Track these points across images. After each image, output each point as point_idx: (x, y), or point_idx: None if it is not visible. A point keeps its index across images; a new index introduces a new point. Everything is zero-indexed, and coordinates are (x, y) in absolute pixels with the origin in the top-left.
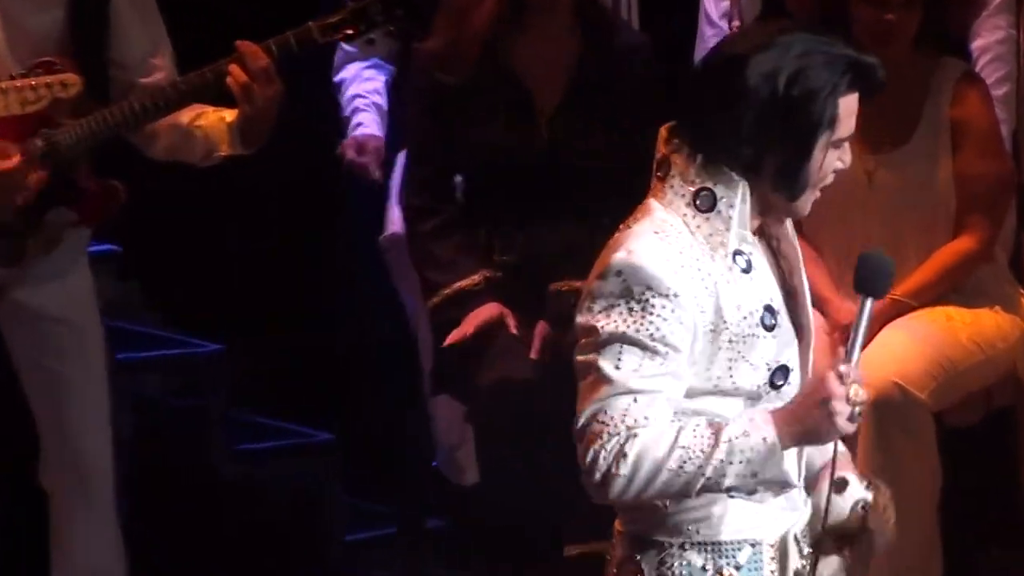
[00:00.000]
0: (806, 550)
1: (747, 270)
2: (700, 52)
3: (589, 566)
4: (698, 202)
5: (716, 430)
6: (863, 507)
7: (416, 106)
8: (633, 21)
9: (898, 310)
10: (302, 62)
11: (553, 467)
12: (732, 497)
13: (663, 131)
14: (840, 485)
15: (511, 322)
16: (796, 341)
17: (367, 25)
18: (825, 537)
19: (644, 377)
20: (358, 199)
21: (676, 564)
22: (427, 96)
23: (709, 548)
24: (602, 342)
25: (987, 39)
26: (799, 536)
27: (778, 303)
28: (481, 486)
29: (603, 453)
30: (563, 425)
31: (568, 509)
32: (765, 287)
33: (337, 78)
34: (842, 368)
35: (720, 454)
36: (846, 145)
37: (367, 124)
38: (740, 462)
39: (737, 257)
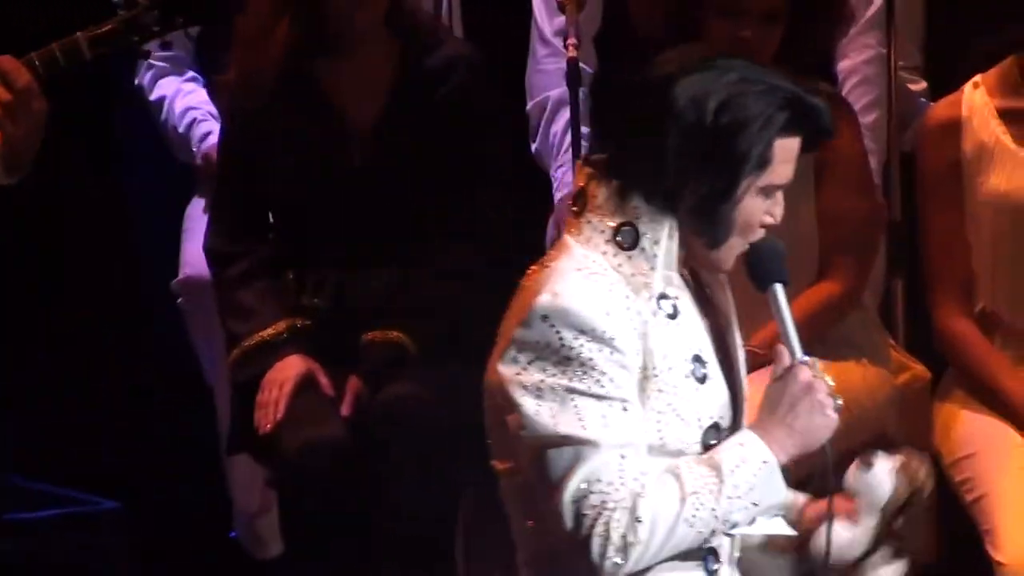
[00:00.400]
0: None
1: (673, 315)
2: (533, 74)
3: None
4: (619, 238)
5: (714, 465)
6: (899, 471)
7: (220, 140)
8: (456, 29)
9: (752, 363)
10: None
11: (366, 538)
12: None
13: (579, 163)
14: (867, 462)
15: (322, 379)
16: (730, 400)
17: (142, 36)
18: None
19: (617, 429)
20: (149, 238)
21: None
22: (229, 129)
23: None
24: (548, 401)
25: (854, 59)
26: None
27: (708, 354)
28: (284, 560)
29: (614, 524)
30: (378, 491)
31: None
32: (694, 336)
33: (154, 97)
34: (805, 359)
35: (728, 491)
36: (778, 197)
37: (216, 132)
38: (746, 492)
39: (662, 301)
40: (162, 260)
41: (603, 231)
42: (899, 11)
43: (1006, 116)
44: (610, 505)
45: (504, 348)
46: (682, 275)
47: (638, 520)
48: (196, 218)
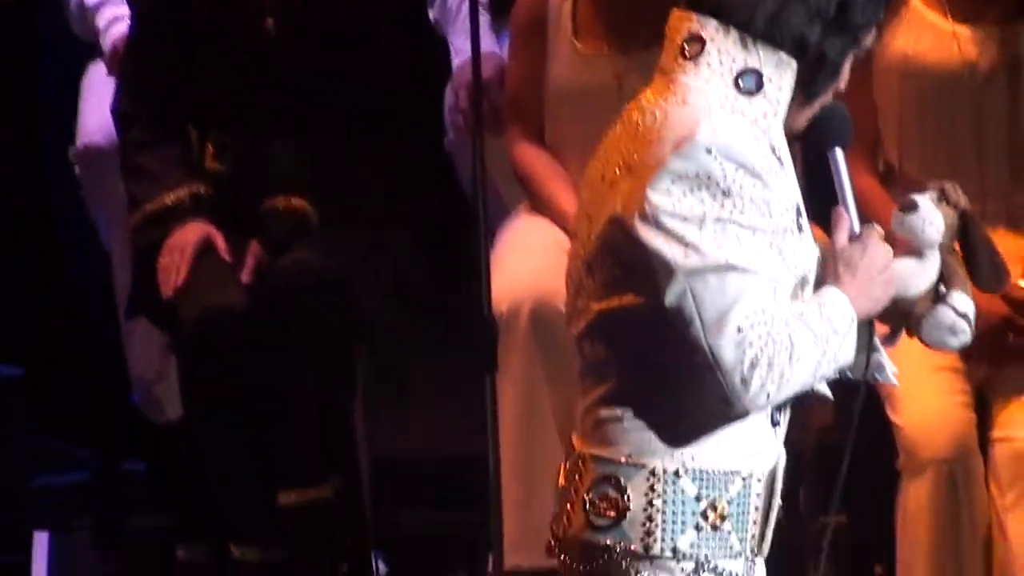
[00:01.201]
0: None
1: (781, 164)
2: None
3: (304, 515)
4: (741, 83)
5: (827, 316)
6: (943, 199)
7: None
8: None
9: None
10: None
11: (266, 405)
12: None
13: (680, 12)
14: (908, 205)
15: (220, 244)
16: (815, 252)
17: None
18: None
19: (772, 263)
20: (49, 108)
21: (668, 491)
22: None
23: (703, 477)
24: (709, 231)
25: None
26: (783, 473)
27: (802, 207)
28: (185, 424)
29: (777, 358)
30: (279, 358)
31: (282, 453)
32: (794, 187)
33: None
34: (872, 227)
35: (837, 341)
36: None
37: (125, 18)
38: (841, 348)
39: (775, 149)
40: (61, 127)
41: (723, 75)
42: None
43: None
44: (775, 337)
45: (654, 178)
46: None
47: (795, 357)
48: (93, 87)
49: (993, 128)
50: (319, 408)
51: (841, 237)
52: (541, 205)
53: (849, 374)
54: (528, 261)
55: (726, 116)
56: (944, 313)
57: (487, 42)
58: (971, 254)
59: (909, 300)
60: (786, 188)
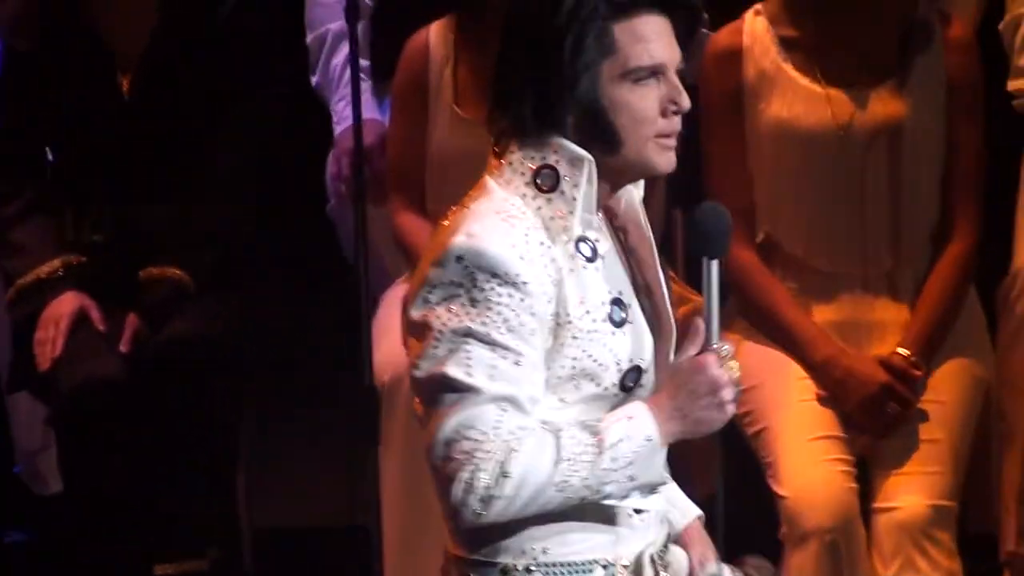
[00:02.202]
0: (662, 573)
1: (592, 259)
2: (312, 7)
3: None
4: (539, 181)
5: (597, 435)
6: None
7: None
8: None
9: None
10: None
11: (145, 476)
12: (579, 519)
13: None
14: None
15: (95, 314)
16: (651, 340)
17: None
18: None
19: (503, 381)
20: None
21: None
22: (3, 66)
23: (556, 570)
24: (446, 341)
25: None
26: (656, 557)
27: (628, 296)
28: (65, 496)
29: (481, 475)
30: (157, 428)
31: (160, 525)
32: (613, 278)
33: None
34: (721, 349)
35: (604, 462)
36: (672, 80)
37: None
38: (624, 467)
39: (581, 245)
40: None
41: (523, 173)
42: None
43: (787, 44)
44: (479, 455)
45: (418, 288)
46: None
47: (505, 475)
48: None
49: (872, 192)
50: (199, 478)
51: (690, 350)
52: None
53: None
54: None
55: (493, 221)
56: None
57: (369, 109)
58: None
59: None
60: (596, 285)
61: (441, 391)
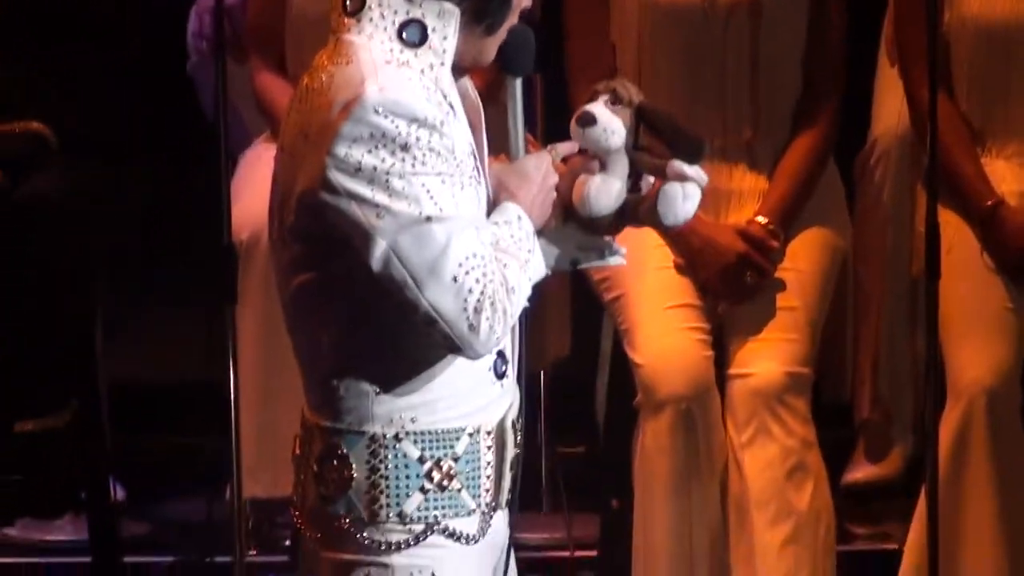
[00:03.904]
0: (519, 438)
1: (454, 112)
2: None
3: (41, 442)
4: (405, 35)
5: (512, 229)
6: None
7: None
8: None
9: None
10: None
11: (2, 333)
12: (446, 386)
13: None
14: (586, 119)
15: None
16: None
17: None
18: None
19: (466, 205)
20: None
21: (389, 456)
22: None
23: (425, 438)
24: (397, 190)
25: None
26: (515, 423)
27: (477, 151)
28: None
29: (498, 296)
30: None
31: (19, 382)
32: (466, 133)
33: None
34: (555, 151)
35: (533, 257)
36: None
37: None
38: (535, 257)
39: (445, 96)
40: None
41: (386, 28)
42: None
43: None
44: (490, 277)
45: (330, 148)
46: None
47: (512, 290)
48: None
49: (734, 65)
50: (57, 335)
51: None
52: None
53: (579, 264)
54: (268, 189)
55: (392, 71)
56: (668, 187)
57: None
58: (664, 138)
59: (603, 216)
60: (461, 137)
61: (424, 234)
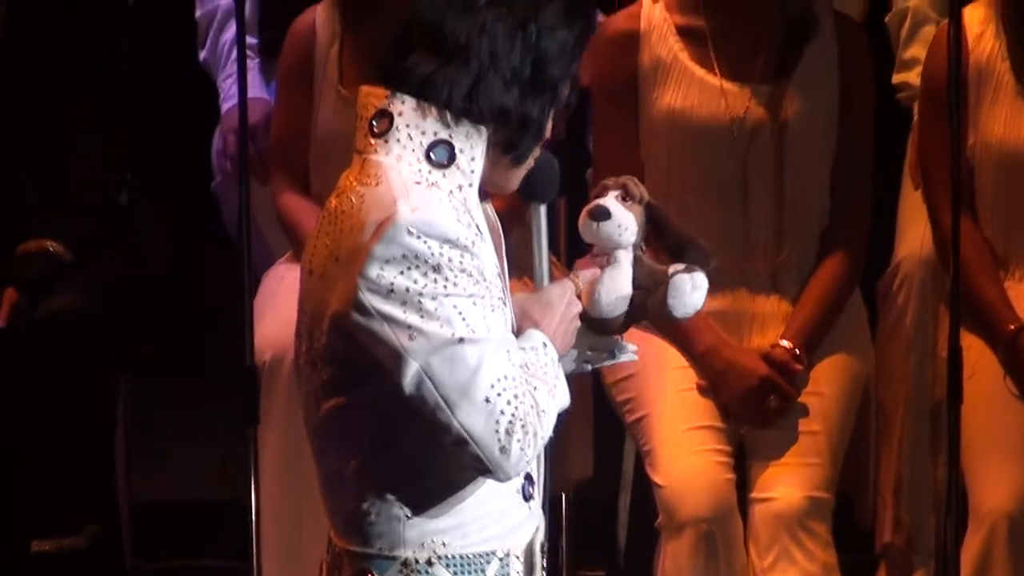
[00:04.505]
0: (545, 561)
1: (480, 234)
2: None
3: (59, 563)
4: (433, 155)
5: (539, 355)
6: (627, 198)
7: None
8: None
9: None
10: None
11: (22, 453)
12: (474, 509)
13: (368, 89)
14: (598, 213)
15: None
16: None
17: None
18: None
19: (497, 327)
20: None
21: None
22: None
23: (457, 562)
24: (429, 311)
25: None
26: (543, 546)
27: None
28: None
29: (530, 420)
30: (35, 403)
31: (38, 501)
32: (492, 254)
33: None
34: (579, 279)
35: (560, 382)
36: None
37: None
38: (561, 383)
39: (472, 218)
40: None
41: (414, 149)
42: None
43: (684, 34)
44: (522, 399)
45: (362, 269)
46: None
47: (542, 412)
48: None
49: (759, 185)
50: (77, 455)
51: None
52: None
53: (589, 365)
54: (292, 310)
55: (423, 191)
56: (677, 279)
57: (256, 87)
58: (673, 240)
59: (615, 317)
60: (488, 257)
61: (457, 356)
